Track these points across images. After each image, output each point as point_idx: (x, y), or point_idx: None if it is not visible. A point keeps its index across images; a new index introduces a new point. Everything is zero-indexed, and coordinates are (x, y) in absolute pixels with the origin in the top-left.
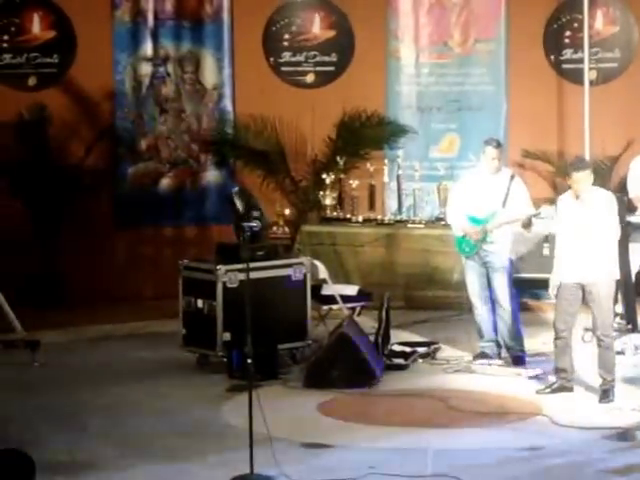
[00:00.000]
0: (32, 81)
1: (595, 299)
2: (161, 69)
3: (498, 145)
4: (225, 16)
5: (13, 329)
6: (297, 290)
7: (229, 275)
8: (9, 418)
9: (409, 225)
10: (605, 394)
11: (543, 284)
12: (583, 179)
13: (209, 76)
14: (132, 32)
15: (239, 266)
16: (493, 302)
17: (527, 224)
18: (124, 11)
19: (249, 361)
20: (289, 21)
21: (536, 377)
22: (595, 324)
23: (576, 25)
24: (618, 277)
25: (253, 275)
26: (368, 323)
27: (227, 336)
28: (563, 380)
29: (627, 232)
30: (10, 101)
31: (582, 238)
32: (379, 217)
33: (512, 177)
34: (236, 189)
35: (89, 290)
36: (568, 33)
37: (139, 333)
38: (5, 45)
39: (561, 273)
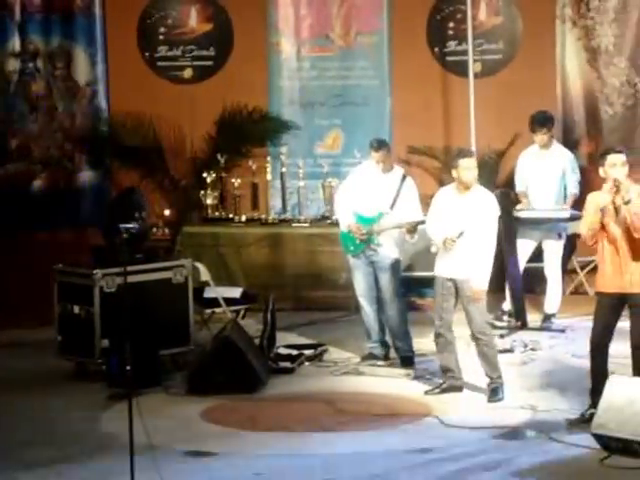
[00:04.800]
0: None
1: (468, 297)
2: (30, 65)
3: (379, 147)
4: (97, 9)
5: None
6: (178, 293)
7: (106, 279)
8: None
9: (294, 224)
10: (494, 393)
11: (431, 282)
12: (472, 166)
13: (82, 72)
14: None
15: (116, 270)
16: (380, 302)
17: (412, 230)
18: None
19: (129, 368)
20: (164, 14)
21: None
22: (469, 323)
23: (459, 16)
24: (486, 287)
25: (131, 279)
26: (253, 326)
27: (105, 342)
28: (451, 380)
29: (514, 228)
30: None
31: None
32: (263, 217)
33: (404, 178)
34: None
35: None
36: (452, 24)
37: (11, 341)
38: None
39: (436, 267)
